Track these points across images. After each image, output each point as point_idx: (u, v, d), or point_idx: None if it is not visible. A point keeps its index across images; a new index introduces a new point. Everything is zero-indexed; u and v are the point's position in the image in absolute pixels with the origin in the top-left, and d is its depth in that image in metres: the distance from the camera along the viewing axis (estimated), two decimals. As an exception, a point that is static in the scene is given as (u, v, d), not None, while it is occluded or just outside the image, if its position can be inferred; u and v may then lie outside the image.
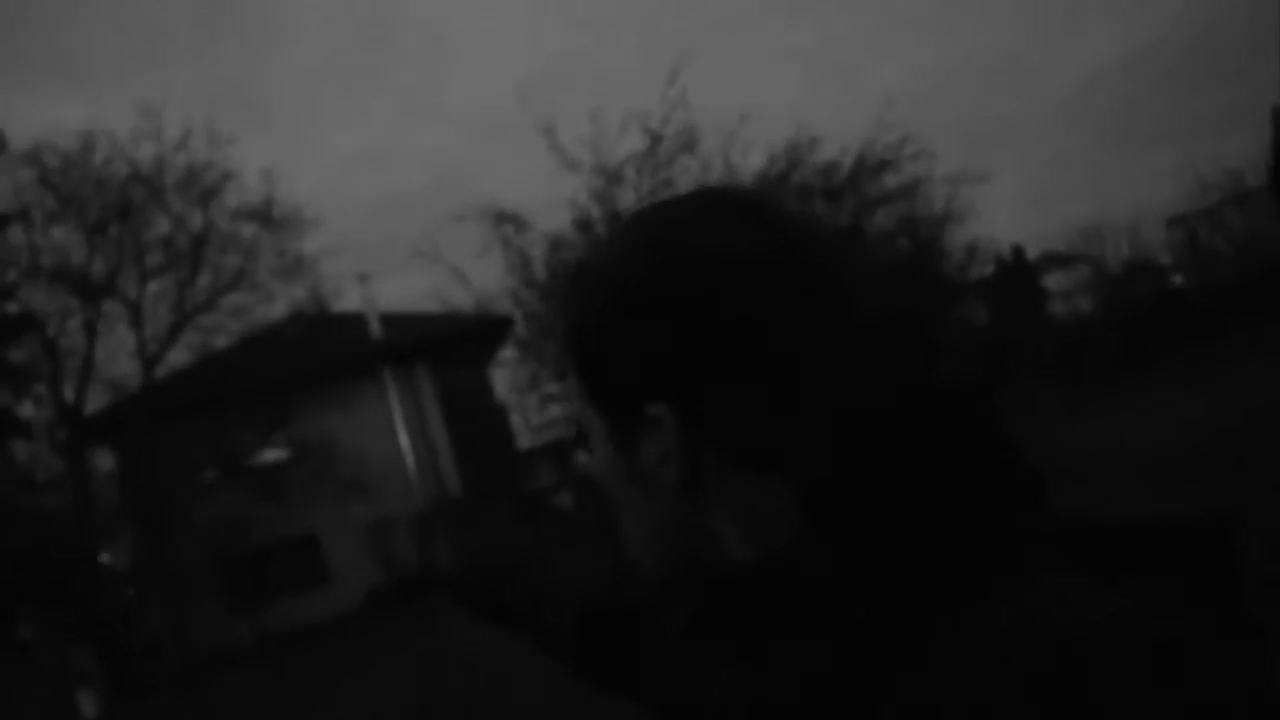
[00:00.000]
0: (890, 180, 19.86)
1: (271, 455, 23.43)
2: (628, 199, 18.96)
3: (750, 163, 21.33)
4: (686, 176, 19.04)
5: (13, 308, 24.42)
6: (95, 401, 24.97)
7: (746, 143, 31.98)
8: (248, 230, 25.89)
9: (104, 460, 24.81)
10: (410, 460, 24.02)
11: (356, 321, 25.79)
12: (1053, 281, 39.02)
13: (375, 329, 25.30)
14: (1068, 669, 0.53)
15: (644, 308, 0.67)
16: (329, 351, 24.66)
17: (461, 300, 21.57)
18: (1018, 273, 35.80)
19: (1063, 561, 0.59)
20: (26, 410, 24.38)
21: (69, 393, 24.57)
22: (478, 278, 23.77)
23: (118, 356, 25.54)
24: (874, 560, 0.61)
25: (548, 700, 7.13)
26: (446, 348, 24.19)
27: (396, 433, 24.21)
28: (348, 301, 27.02)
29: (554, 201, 21.50)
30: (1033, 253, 37.64)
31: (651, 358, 0.67)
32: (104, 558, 22.45)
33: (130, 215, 25.22)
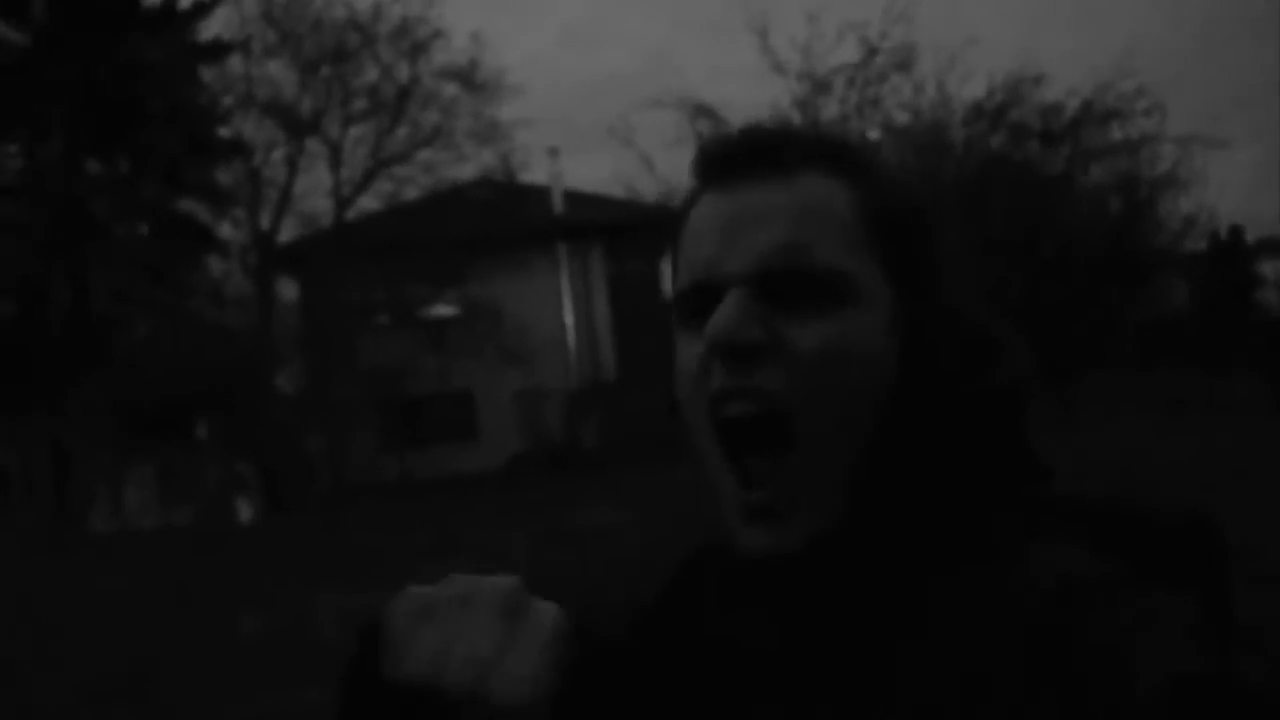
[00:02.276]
0: (1115, 132, 18.64)
1: (441, 310, 24.11)
2: (831, 111, 18.42)
3: (966, 92, 20.28)
4: (896, 97, 18.34)
5: (224, 133, 25.57)
6: (288, 233, 26.17)
7: (966, 69, 30.51)
8: (450, 89, 26.37)
9: (288, 289, 26.03)
10: (571, 338, 24.36)
11: (541, 194, 26.04)
12: (1271, 269, 36.31)
13: (558, 204, 25.52)
14: (1056, 623, 0.58)
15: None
16: (510, 219, 25.02)
17: (646, 189, 21.53)
18: (1231, 254, 33.44)
19: (1057, 533, 0.65)
20: (225, 231, 25.71)
21: (265, 220, 25.77)
22: (666, 168, 23.64)
23: (313, 194, 26.64)
24: (883, 524, 0.67)
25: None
26: (624, 233, 24.22)
27: (562, 309, 24.54)
28: (536, 174, 27.34)
29: (755, 105, 21.01)
30: (1256, 235, 35.02)
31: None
32: (277, 380, 23.70)
33: (342, 59, 25.97)
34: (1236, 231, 33.93)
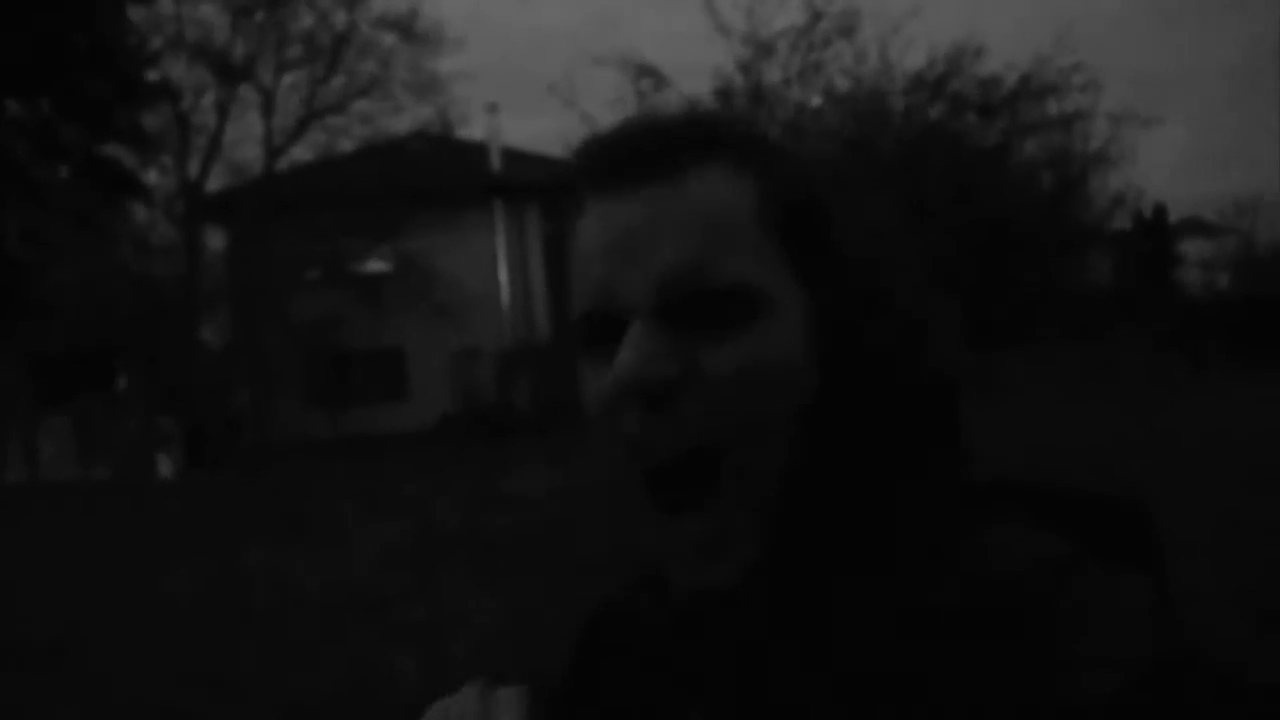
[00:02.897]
0: (1051, 106, 18.87)
1: (374, 265, 23.77)
2: (773, 75, 18.36)
3: (908, 61, 20.38)
4: (838, 63, 18.35)
5: (153, 76, 24.81)
6: (217, 181, 25.56)
7: (908, 39, 30.60)
8: (388, 39, 25.87)
9: (216, 239, 25.47)
10: (506, 297, 24.17)
11: (478, 151, 25.73)
12: (1193, 248, 37.27)
13: (495, 161, 25.23)
14: (1010, 603, 0.57)
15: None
16: (446, 175, 24.69)
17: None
18: (1154, 233, 34.24)
19: (1003, 517, 0.63)
20: (151, 178, 25.00)
21: (193, 168, 25.11)
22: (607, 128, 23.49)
23: (244, 142, 26.06)
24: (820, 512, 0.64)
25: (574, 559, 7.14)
26: (562, 193, 23.99)
27: (497, 268, 24.32)
28: (474, 130, 26.99)
29: (698, 70, 20.90)
30: (1179, 214, 35.89)
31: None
32: (202, 333, 23.21)
33: (278, 3, 25.30)
34: (1160, 211, 34.73)
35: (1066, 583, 0.57)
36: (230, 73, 25.47)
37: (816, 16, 17.93)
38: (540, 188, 24.03)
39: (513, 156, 25.37)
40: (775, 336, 0.62)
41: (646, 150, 0.64)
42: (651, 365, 0.60)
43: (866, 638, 0.61)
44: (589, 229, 0.64)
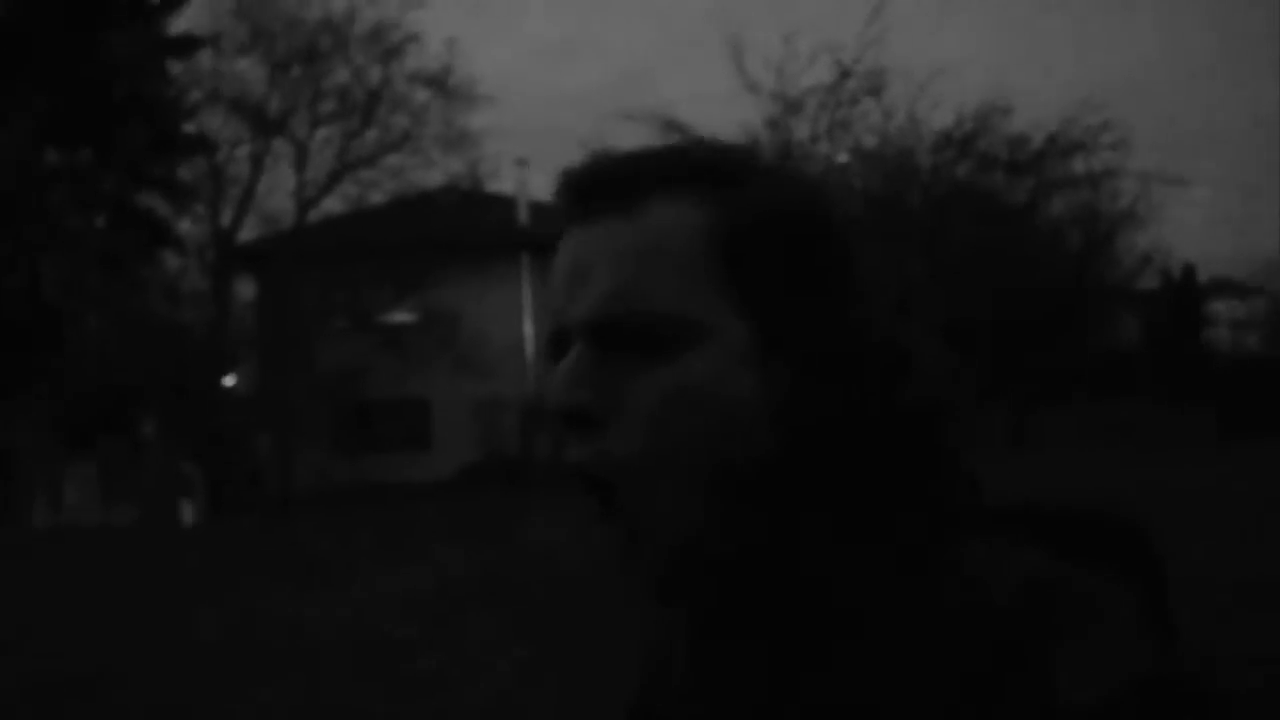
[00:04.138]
0: (1079, 165, 18.85)
1: (400, 316, 23.92)
2: (802, 132, 18.49)
3: (936, 119, 20.46)
4: (866, 121, 18.44)
5: (190, 128, 25.28)
6: (249, 231, 25.90)
7: (936, 97, 30.69)
8: (421, 95, 26.24)
9: (246, 289, 25.73)
10: (530, 349, 24.26)
11: (506, 205, 25.99)
12: (1223, 308, 36.94)
13: (523, 215, 25.44)
14: (998, 625, 0.57)
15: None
16: (474, 229, 24.93)
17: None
18: (1183, 293, 34.02)
19: (992, 537, 0.63)
20: (184, 226, 25.39)
21: (226, 218, 25.47)
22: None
23: (276, 193, 26.37)
24: (813, 532, 0.64)
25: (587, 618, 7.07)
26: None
27: (523, 320, 24.43)
28: (503, 184, 27.24)
29: (726, 127, 21.10)
30: (1208, 274, 35.65)
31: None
32: (228, 380, 23.38)
33: (314, 59, 25.78)
34: (1189, 270, 34.51)
35: (1047, 596, 0.57)
36: (265, 126, 25.93)
37: (845, 75, 18.10)
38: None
39: (540, 210, 25.59)
40: (702, 369, 0.62)
41: (610, 182, 0.66)
42: (570, 391, 0.63)
43: (841, 666, 0.61)
44: (557, 257, 0.67)
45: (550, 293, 0.67)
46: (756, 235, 0.64)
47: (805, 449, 0.64)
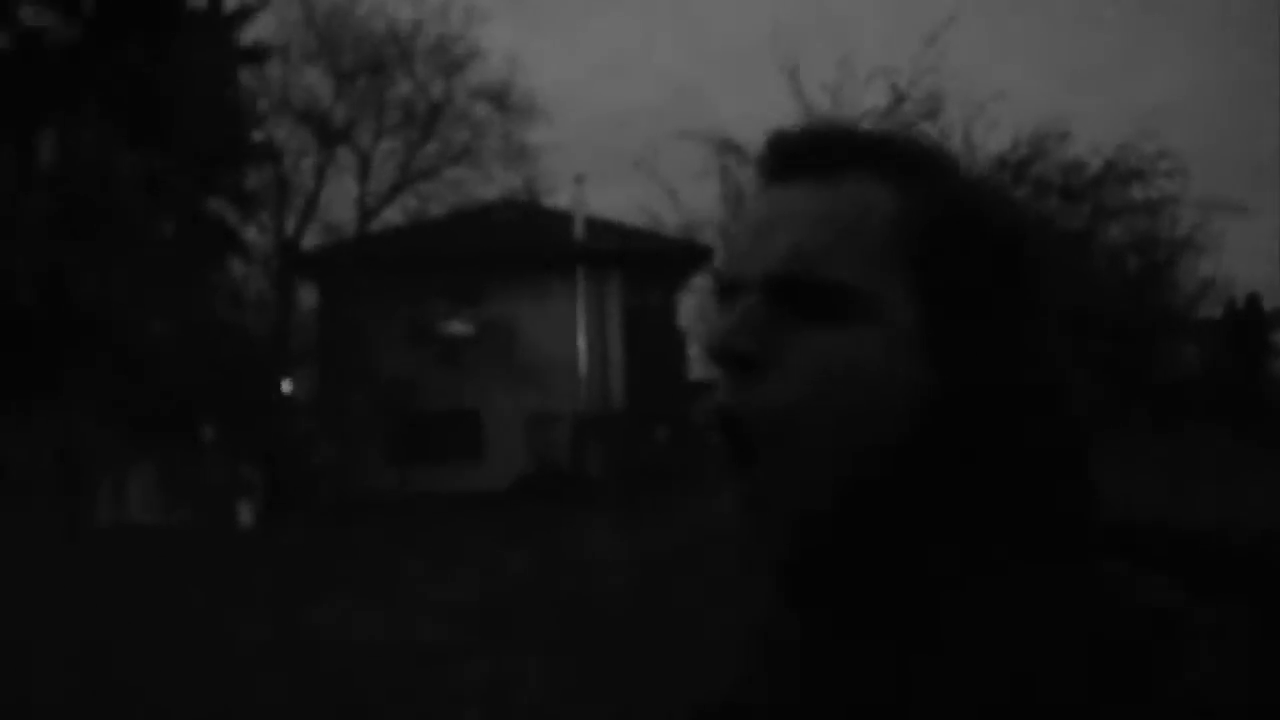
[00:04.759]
0: (1136, 192, 18.67)
1: (457, 328, 24.23)
2: (857, 155, 18.47)
3: (992, 144, 20.35)
4: (922, 145, 18.39)
5: (258, 136, 25.82)
6: (311, 240, 26.41)
7: (992, 121, 30.45)
8: (482, 109, 26.63)
9: (308, 296, 26.23)
10: (583, 364, 24.42)
11: (563, 220, 26.19)
12: (1287, 339, 36.12)
13: (579, 231, 25.66)
14: (1103, 654, 0.56)
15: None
16: (531, 243, 25.17)
17: (669, 220, 21.65)
18: (1247, 321, 33.27)
19: (1133, 559, 0.62)
20: (249, 234, 25.90)
21: (290, 226, 26.01)
22: (690, 201, 23.63)
23: (339, 203, 26.87)
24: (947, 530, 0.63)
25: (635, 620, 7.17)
26: (642, 263, 24.37)
27: (576, 334, 24.61)
28: (559, 199, 27.52)
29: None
30: (1272, 305, 34.89)
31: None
32: (288, 385, 23.84)
33: (379, 71, 26.26)
34: (1254, 299, 33.79)
35: (1168, 634, 0.56)
36: (330, 136, 26.44)
37: (900, 99, 18.07)
38: (622, 257, 24.39)
39: (596, 226, 25.79)
40: (870, 342, 0.62)
41: (810, 149, 0.68)
42: (734, 337, 0.64)
43: (952, 683, 0.60)
44: (746, 210, 0.70)
45: (731, 244, 0.69)
46: (949, 228, 0.65)
47: (952, 452, 0.63)
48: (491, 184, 26.84)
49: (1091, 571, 0.61)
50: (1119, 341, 18.88)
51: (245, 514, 18.93)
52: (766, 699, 0.69)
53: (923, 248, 0.64)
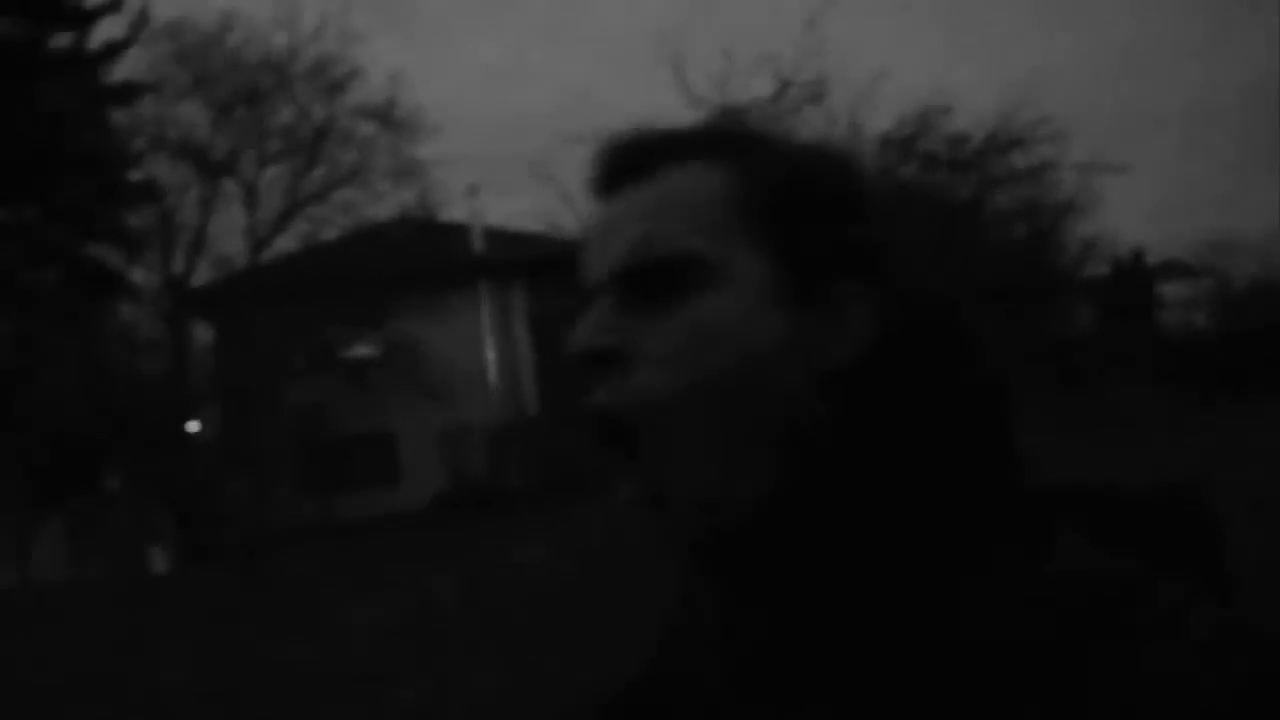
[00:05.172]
0: (1019, 160, 19.26)
1: (362, 350, 23.88)
2: (746, 144, 18.71)
3: (877, 123, 20.81)
4: (809, 129, 18.68)
5: (136, 176, 25.12)
6: (202, 275, 25.77)
7: (877, 102, 31.18)
8: (367, 128, 26.28)
9: (203, 333, 25.58)
10: (493, 375, 24.28)
11: (460, 232, 26.00)
12: (1170, 291, 37.58)
13: (477, 242, 25.50)
14: (1095, 623, 0.55)
15: (850, 197, 0.67)
16: (429, 258, 24.92)
17: (568, 225, 21.62)
18: (1133, 276, 34.49)
19: (1066, 525, 0.61)
20: (136, 275, 25.21)
21: (178, 264, 25.34)
22: (587, 205, 23.67)
23: (228, 235, 26.26)
24: (881, 508, 0.61)
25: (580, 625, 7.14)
26: (545, 270, 24.28)
27: (483, 346, 24.46)
28: (455, 212, 27.30)
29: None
30: (1155, 259, 36.23)
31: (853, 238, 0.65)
32: (191, 426, 23.22)
33: (257, 100, 25.74)
34: (1138, 254, 35.03)
35: (1133, 606, 0.56)
36: (213, 169, 25.83)
37: (785, 85, 18.36)
38: (523, 265, 24.28)
39: (495, 236, 25.65)
40: (725, 307, 0.62)
41: (635, 155, 0.68)
42: (591, 337, 0.64)
43: (901, 663, 0.59)
44: (591, 225, 0.70)
45: (582, 260, 0.69)
46: (781, 187, 0.65)
47: (857, 404, 0.62)
48: (383, 202, 26.50)
49: (1042, 544, 0.60)
50: (1013, 304, 19.42)
51: (158, 560, 18.37)
52: (688, 670, 0.69)
53: (762, 209, 0.64)
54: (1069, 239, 23.48)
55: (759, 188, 0.65)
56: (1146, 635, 0.54)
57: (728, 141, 0.68)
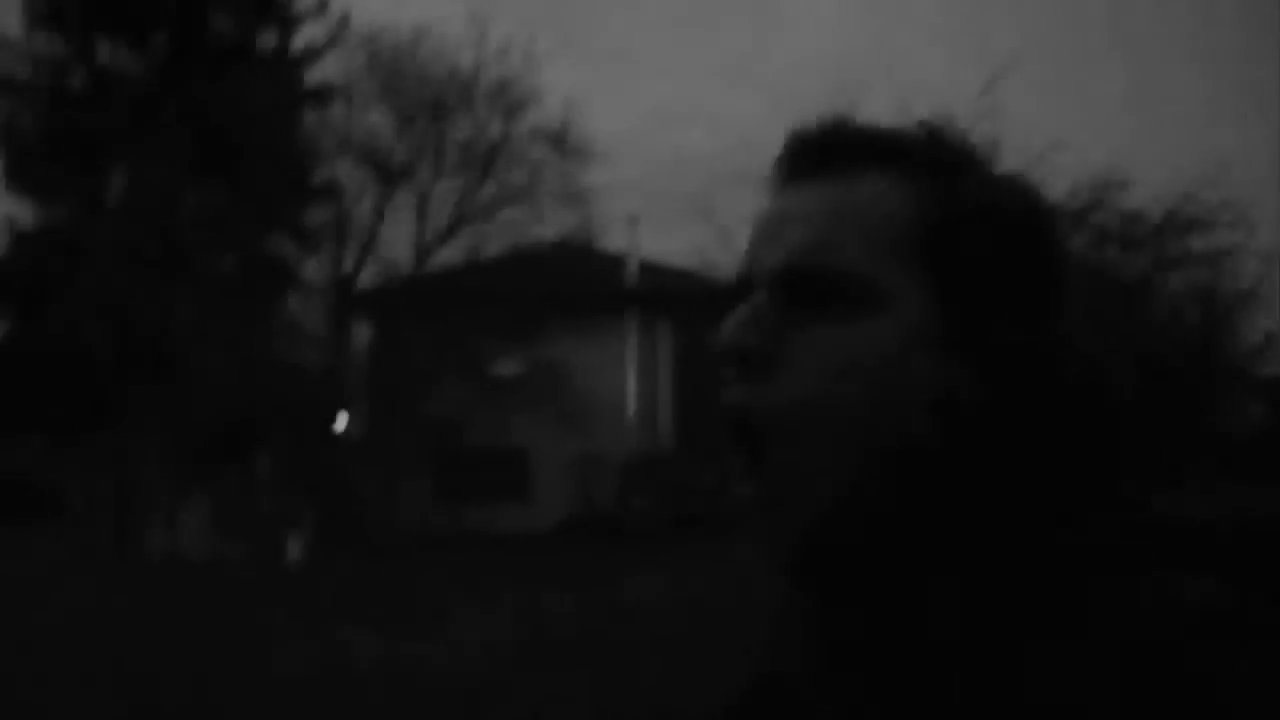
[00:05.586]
0: (1197, 242, 18.38)
1: (507, 367, 24.34)
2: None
3: (1051, 191, 20.18)
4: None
5: (319, 175, 26.32)
6: (368, 277, 26.76)
7: (1052, 169, 30.24)
8: (539, 151, 26.87)
9: (363, 333, 26.52)
10: (632, 406, 24.41)
11: (616, 262, 26.28)
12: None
13: (632, 273, 25.73)
14: (1194, 651, 0.54)
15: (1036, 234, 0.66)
16: (583, 283, 25.28)
17: (724, 263, 21.63)
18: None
19: (1180, 556, 0.60)
20: (307, 270, 26.38)
21: (348, 263, 26.40)
22: (744, 244, 23.60)
23: (397, 241, 27.21)
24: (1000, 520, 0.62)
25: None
26: (695, 306, 24.34)
27: (626, 376, 24.62)
28: (614, 241, 27.63)
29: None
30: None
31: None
32: (342, 421, 24.10)
33: (440, 113, 26.64)
34: (1321, 353, 32.93)
35: (1226, 641, 0.54)
36: (391, 175, 26.82)
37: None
38: (675, 300, 24.39)
39: (649, 268, 25.84)
40: (875, 336, 0.62)
41: (826, 148, 0.67)
42: (741, 334, 0.63)
43: (985, 697, 0.58)
44: (761, 210, 0.69)
45: (749, 238, 0.68)
46: (963, 222, 0.64)
47: (978, 448, 0.62)
48: (546, 224, 27.03)
49: (1128, 573, 0.59)
50: (1177, 388, 18.53)
51: (294, 548, 19.08)
52: (797, 670, 0.69)
53: (937, 242, 0.63)
54: (1246, 330, 22.23)
55: (939, 215, 0.64)
56: (1235, 662, 0.53)
57: (922, 155, 0.67)
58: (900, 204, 0.64)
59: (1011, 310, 0.63)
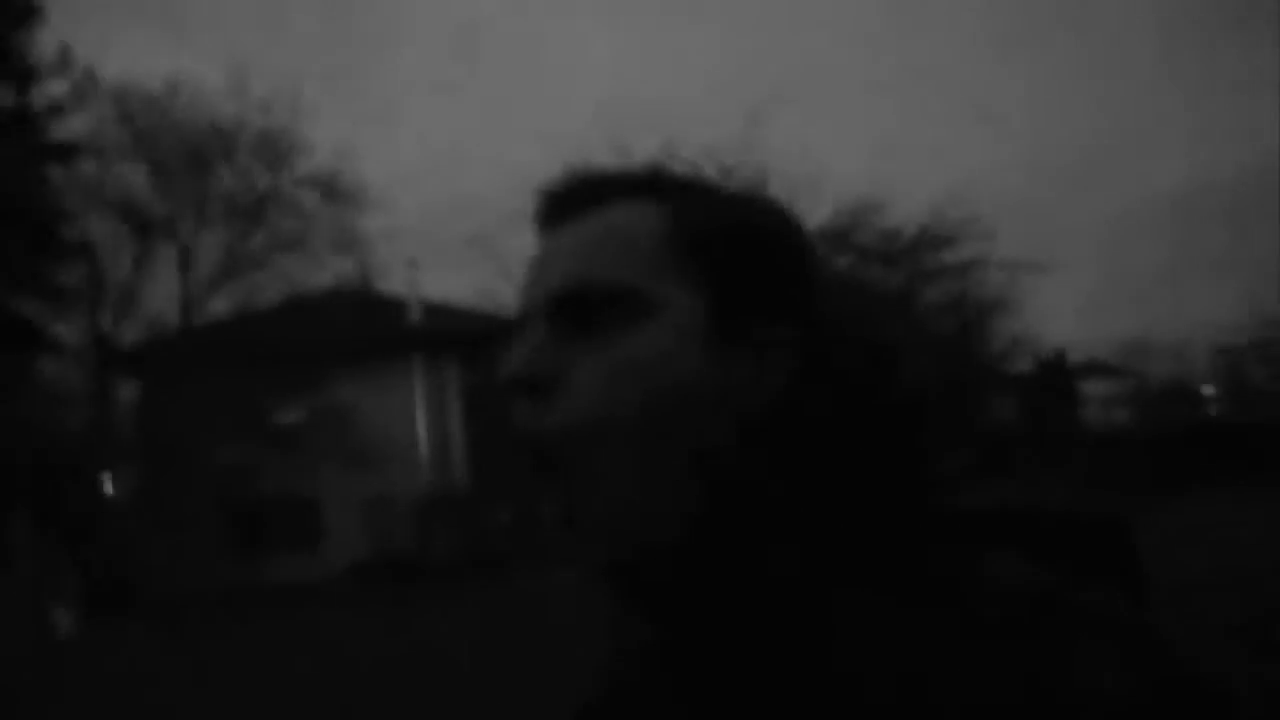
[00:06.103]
0: (948, 256, 19.86)
1: (291, 415, 23.52)
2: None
3: (813, 216, 21.36)
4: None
5: (69, 233, 24.78)
6: (133, 333, 25.34)
7: (816, 196, 32.01)
8: (311, 198, 26.22)
9: (129, 392, 25.05)
10: (424, 447, 24.05)
11: (398, 305, 25.94)
12: (1091, 388, 38.70)
13: (414, 315, 25.44)
14: (1013, 629, 0.56)
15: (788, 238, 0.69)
16: (365, 328, 24.80)
17: (506, 301, 21.68)
18: (1056, 373, 35.53)
19: (993, 540, 0.63)
20: (62, 330, 24.75)
21: (106, 321, 24.91)
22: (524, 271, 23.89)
23: (161, 296, 25.90)
24: (805, 518, 0.63)
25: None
26: (481, 345, 24.26)
27: (415, 418, 24.25)
28: (394, 284, 27.25)
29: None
30: (1075, 358, 37.41)
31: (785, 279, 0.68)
32: (107, 483, 22.62)
33: (200, 165, 25.61)
34: (1060, 353, 36.13)
35: (1059, 613, 0.56)
36: (149, 229, 25.56)
37: (727, 173, 18.77)
38: (460, 339, 24.24)
39: (432, 310, 25.62)
40: (653, 342, 0.63)
41: (573, 194, 0.70)
42: (523, 363, 0.65)
43: (815, 639, 0.60)
44: (531, 256, 0.71)
45: (520, 291, 0.70)
46: (717, 230, 0.67)
47: (774, 439, 0.64)
48: (322, 271, 26.36)
49: (957, 558, 0.61)
50: (940, 393, 19.81)
51: (62, 620, 17.67)
52: (634, 698, 0.70)
53: (694, 249, 0.66)
54: (996, 334, 24.13)
55: (693, 226, 0.66)
56: (1068, 637, 0.54)
57: (665, 182, 0.70)
58: (656, 221, 0.67)
59: (770, 307, 0.65)
